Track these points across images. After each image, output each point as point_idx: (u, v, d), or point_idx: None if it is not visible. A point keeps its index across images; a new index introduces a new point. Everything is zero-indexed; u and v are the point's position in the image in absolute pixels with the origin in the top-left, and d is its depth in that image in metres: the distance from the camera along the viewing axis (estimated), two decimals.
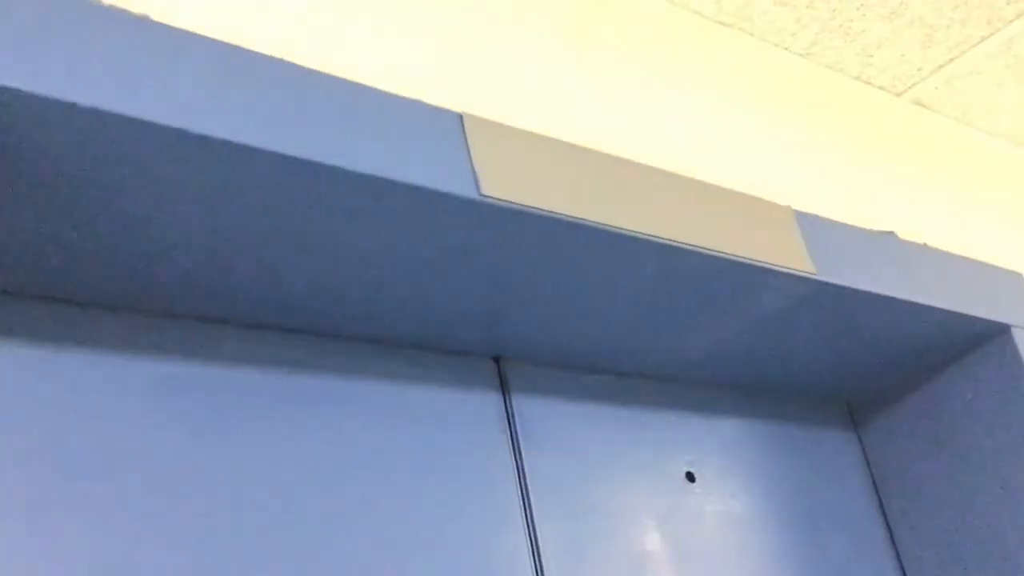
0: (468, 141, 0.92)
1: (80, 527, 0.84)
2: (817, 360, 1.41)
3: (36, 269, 0.87)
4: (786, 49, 1.49)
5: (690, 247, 1.05)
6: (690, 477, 1.31)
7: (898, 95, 1.66)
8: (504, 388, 1.19)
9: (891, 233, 1.35)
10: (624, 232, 1.00)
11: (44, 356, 0.89)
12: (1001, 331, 1.41)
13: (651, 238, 1.02)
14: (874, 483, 1.55)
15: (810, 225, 1.23)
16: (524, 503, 1.12)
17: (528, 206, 0.93)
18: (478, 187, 0.89)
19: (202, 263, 0.90)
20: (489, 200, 0.90)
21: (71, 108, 0.69)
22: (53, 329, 0.90)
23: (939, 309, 1.31)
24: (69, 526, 0.83)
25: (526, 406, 1.19)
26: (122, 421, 0.90)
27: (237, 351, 1.00)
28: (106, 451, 0.88)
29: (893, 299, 1.26)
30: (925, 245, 1.40)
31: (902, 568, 1.49)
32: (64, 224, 0.81)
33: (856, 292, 1.22)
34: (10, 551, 0.80)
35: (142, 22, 0.76)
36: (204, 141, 0.75)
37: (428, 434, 1.10)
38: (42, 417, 0.86)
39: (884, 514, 1.53)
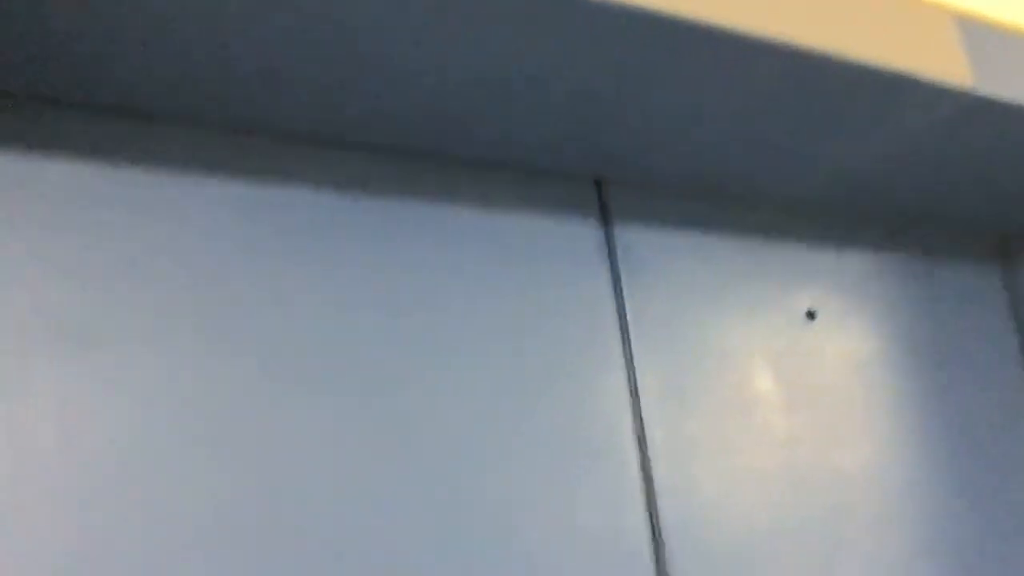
0: None
1: (165, 346, 0.79)
2: (966, 187, 1.24)
3: (138, 86, 0.78)
4: None
5: (822, 52, 0.89)
6: (811, 315, 1.19)
7: None
8: (605, 214, 1.07)
9: None
10: (742, 34, 0.85)
11: (139, 175, 0.82)
12: None
13: (774, 41, 0.86)
14: (1020, 324, 1.40)
15: (970, 29, 1.05)
16: (624, 340, 1.03)
17: (629, 4, 0.79)
18: None
19: (294, 81, 0.80)
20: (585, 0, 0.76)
21: None
22: (152, 149, 0.82)
23: None
24: (153, 345, 0.78)
25: (630, 234, 1.08)
26: (224, 241, 0.83)
27: (330, 171, 0.92)
28: (198, 271, 0.82)
29: None
30: None
31: None
32: (175, 39, 0.72)
33: (1021, 108, 1.04)
34: (96, 367, 0.75)
35: None
36: None
37: (521, 263, 1.00)
38: (136, 235, 0.80)
39: None
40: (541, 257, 1.02)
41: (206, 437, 0.79)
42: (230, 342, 0.82)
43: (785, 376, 1.13)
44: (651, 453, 1.00)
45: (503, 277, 0.99)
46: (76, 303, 0.77)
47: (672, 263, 1.10)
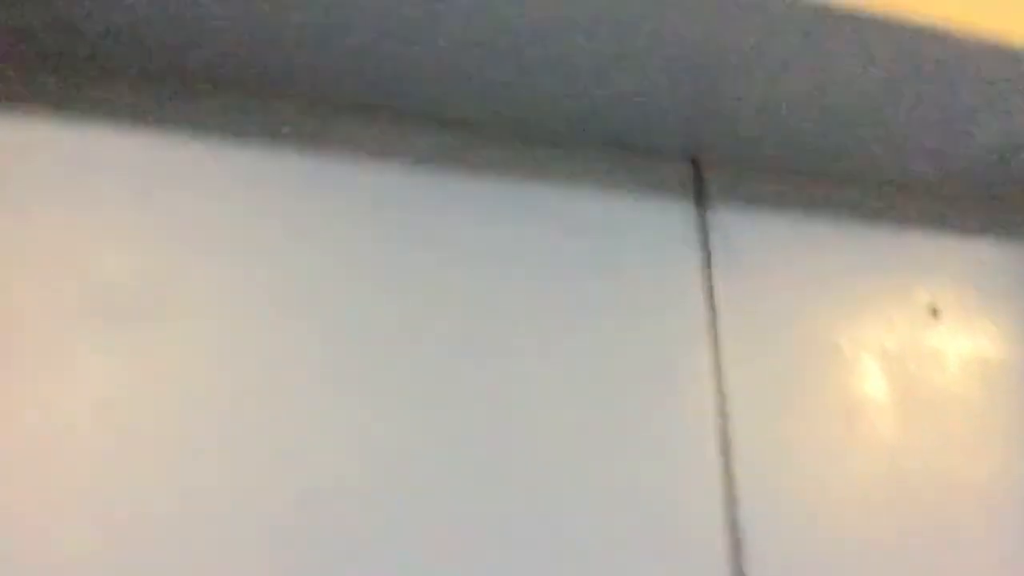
0: None
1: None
2: None
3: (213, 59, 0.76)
4: None
5: (958, 30, 0.79)
6: (934, 312, 1.08)
7: None
8: (700, 196, 1.00)
9: None
10: (874, 13, 0.76)
11: (190, 142, 0.80)
12: None
13: (892, 18, 0.77)
14: None
15: None
16: (712, 330, 0.96)
17: None
18: None
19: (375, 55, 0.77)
20: None
21: None
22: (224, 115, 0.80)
23: None
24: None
25: (726, 218, 1.00)
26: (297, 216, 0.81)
27: (413, 146, 0.88)
28: (269, 243, 0.79)
29: None
30: None
31: None
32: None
33: None
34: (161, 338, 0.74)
35: None
36: None
37: (607, 245, 0.94)
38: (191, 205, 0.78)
39: None
40: (629, 239, 0.95)
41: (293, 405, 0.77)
42: (304, 319, 0.80)
43: (899, 378, 1.04)
44: (735, 454, 0.93)
45: (588, 258, 0.93)
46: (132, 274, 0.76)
47: (772, 249, 1.01)
